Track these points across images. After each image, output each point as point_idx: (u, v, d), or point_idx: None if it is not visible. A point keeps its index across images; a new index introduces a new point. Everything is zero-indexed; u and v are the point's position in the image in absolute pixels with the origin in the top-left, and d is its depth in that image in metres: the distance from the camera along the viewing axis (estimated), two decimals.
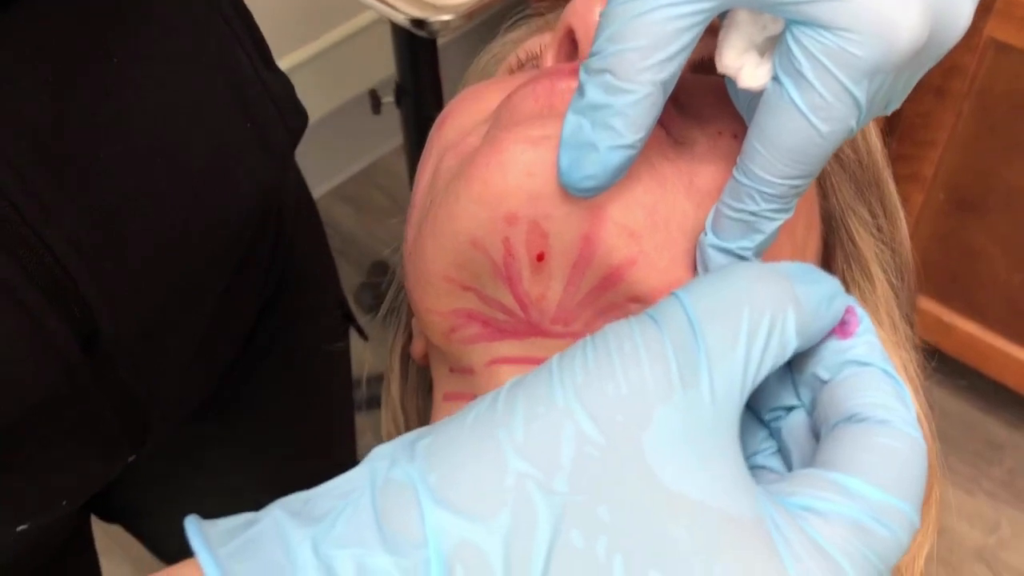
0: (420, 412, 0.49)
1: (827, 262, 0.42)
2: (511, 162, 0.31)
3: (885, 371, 0.28)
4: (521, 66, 0.42)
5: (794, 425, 0.30)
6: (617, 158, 0.29)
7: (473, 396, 0.36)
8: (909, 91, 0.31)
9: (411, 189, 1.31)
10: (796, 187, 0.30)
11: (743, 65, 0.31)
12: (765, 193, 0.30)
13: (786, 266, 0.29)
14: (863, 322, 0.29)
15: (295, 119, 0.55)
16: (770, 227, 0.31)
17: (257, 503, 0.77)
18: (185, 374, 0.57)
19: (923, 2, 0.27)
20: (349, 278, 1.61)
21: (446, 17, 0.78)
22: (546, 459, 0.24)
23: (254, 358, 0.66)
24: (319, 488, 0.26)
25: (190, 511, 0.81)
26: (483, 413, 0.25)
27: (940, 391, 1.48)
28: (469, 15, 0.79)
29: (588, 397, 0.25)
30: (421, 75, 1.06)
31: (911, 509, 0.26)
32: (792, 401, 0.31)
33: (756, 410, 0.31)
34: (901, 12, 0.27)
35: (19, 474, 0.50)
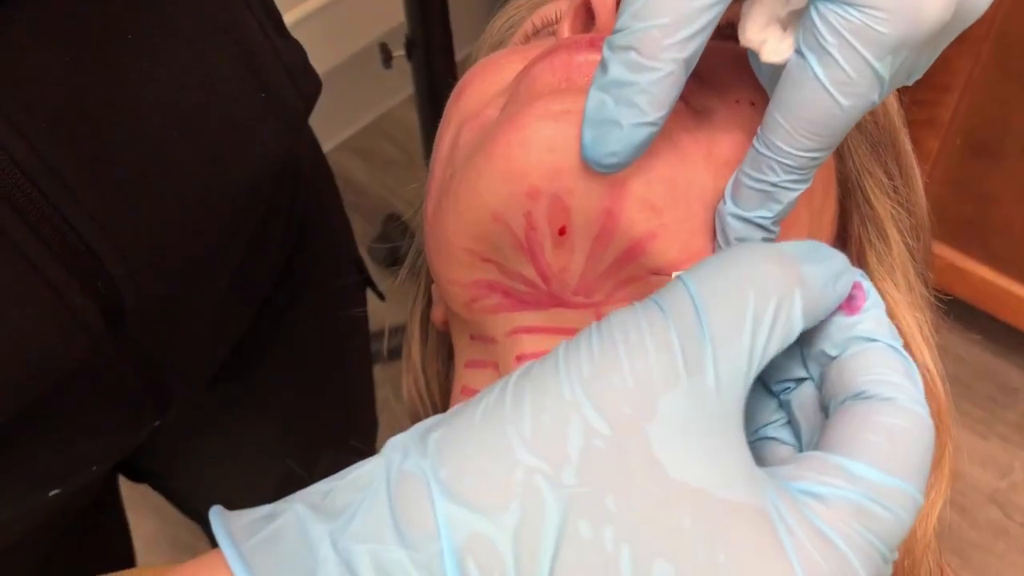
0: (440, 375, 0.50)
1: (844, 224, 0.42)
2: (533, 138, 0.31)
3: (892, 347, 0.28)
4: (536, 32, 0.41)
5: (803, 398, 0.31)
6: (640, 135, 0.29)
7: (495, 365, 0.37)
8: (933, 61, 0.31)
9: (422, 141, 1.30)
10: (815, 158, 0.30)
11: (766, 39, 0.31)
12: (785, 164, 0.30)
13: (793, 246, 0.29)
14: (870, 296, 0.29)
15: (308, 86, 0.55)
16: (789, 197, 0.31)
17: (278, 463, 0.79)
18: (205, 340, 0.58)
19: None
20: (362, 231, 1.62)
21: None
22: (554, 452, 0.25)
23: (272, 320, 0.67)
24: (338, 481, 0.26)
25: (213, 472, 0.83)
26: (492, 406, 0.26)
27: (953, 336, 1.48)
28: None
29: (595, 390, 0.25)
30: (432, 28, 1.05)
31: (915, 489, 0.26)
32: (801, 373, 0.31)
33: (766, 382, 0.32)
34: None
35: (50, 442, 0.52)
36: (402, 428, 0.28)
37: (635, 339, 0.26)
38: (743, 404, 0.26)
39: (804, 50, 0.29)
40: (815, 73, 0.28)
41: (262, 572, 0.24)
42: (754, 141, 0.31)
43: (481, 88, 0.37)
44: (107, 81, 0.43)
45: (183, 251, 0.49)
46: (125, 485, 0.77)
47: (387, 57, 1.14)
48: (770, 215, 0.31)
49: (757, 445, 0.32)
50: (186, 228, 0.48)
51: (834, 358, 0.29)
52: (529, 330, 0.35)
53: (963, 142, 1.29)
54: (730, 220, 0.32)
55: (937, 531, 0.43)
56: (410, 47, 1.09)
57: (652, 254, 0.32)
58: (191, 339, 0.56)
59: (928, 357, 0.42)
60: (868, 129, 0.43)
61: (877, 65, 0.28)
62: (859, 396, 0.27)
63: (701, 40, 0.29)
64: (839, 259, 0.29)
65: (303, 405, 0.74)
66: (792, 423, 0.31)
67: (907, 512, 0.26)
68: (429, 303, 0.49)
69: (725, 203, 0.32)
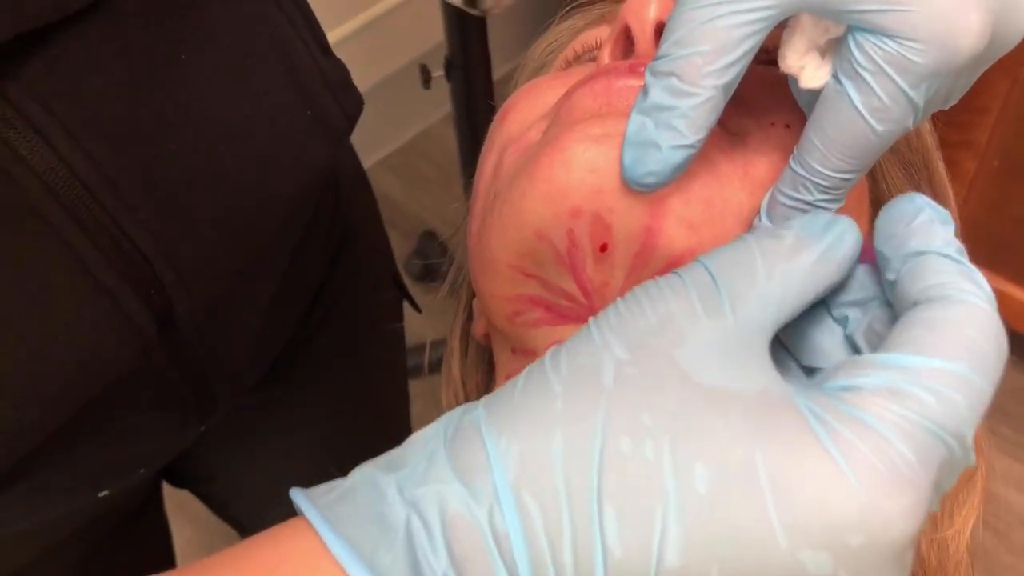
0: (481, 389, 0.51)
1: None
2: (574, 159, 0.33)
3: (941, 255, 0.28)
4: (577, 58, 0.43)
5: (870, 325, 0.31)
6: (678, 157, 0.31)
7: None
8: (969, 87, 0.32)
9: (459, 159, 1.32)
10: (848, 179, 0.31)
11: (805, 66, 0.32)
12: (819, 184, 0.31)
13: (794, 222, 0.30)
14: (923, 212, 0.29)
15: (351, 103, 0.57)
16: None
17: (319, 467, 0.81)
18: (251, 346, 0.60)
19: (984, 9, 0.28)
20: (399, 247, 1.63)
21: None
22: (589, 383, 0.26)
23: (314, 329, 0.68)
24: (401, 447, 0.28)
25: (254, 476, 0.85)
26: (533, 368, 0.28)
27: None
28: None
29: (622, 331, 0.27)
30: (471, 49, 1.07)
31: (965, 368, 0.25)
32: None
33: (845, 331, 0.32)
34: (962, 22, 0.28)
35: (101, 444, 0.53)
36: None
37: (655, 293, 0.28)
38: (767, 342, 0.27)
39: (841, 76, 0.30)
40: (851, 99, 0.30)
41: (339, 521, 0.26)
42: (790, 161, 0.32)
43: (524, 113, 0.39)
44: (161, 98, 0.46)
45: (231, 259, 0.51)
46: (165, 492, 0.79)
47: (427, 78, 1.17)
48: None
49: None
50: (234, 237, 0.50)
51: (894, 282, 0.29)
52: None
53: (1000, 164, 1.29)
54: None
55: (971, 548, 0.43)
56: (449, 68, 1.11)
57: None
58: (238, 345, 0.58)
59: None
60: (901, 151, 0.44)
61: (911, 93, 0.29)
62: (914, 305, 0.27)
63: (741, 67, 0.30)
64: (840, 223, 0.30)
65: (340, 413, 0.75)
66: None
67: (960, 392, 0.25)
68: (469, 318, 0.50)
69: (760, 219, 0.33)
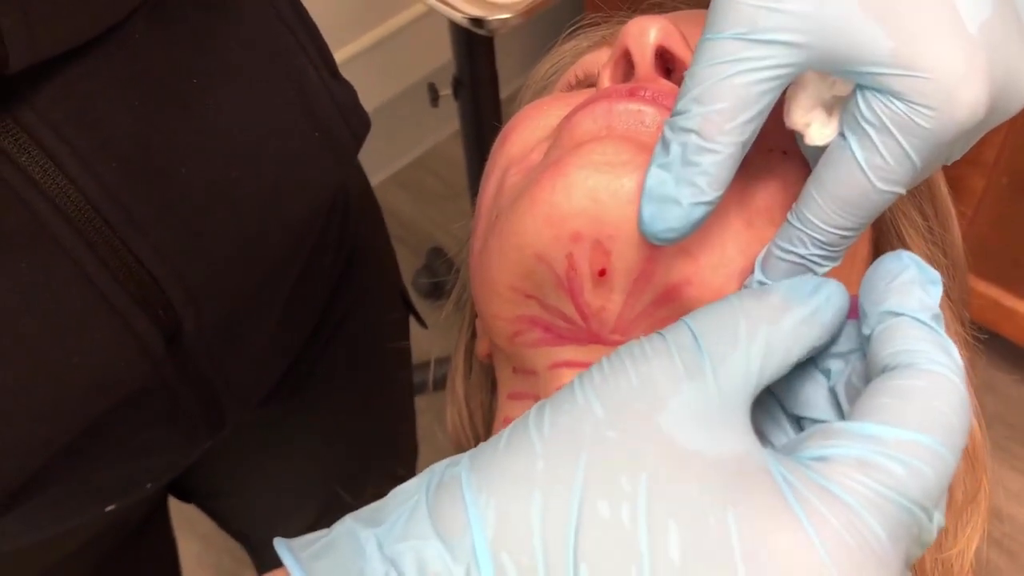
0: (484, 407, 0.51)
1: None
2: (575, 186, 0.33)
3: (915, 319, 0.28)
4: (579, 82, 0.43)
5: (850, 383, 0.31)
6: (699, 213, 0.31)
7: (536, 397, 0.38)
8: (967, 150, 0.33)
9: (467, 176, 1.32)
10: (845, 237, 0.31)
11: (811, 122, 0.32)
12: (815, 239, 0.31)
13: (782, 284, 0.30)
14: (906, 271, 0.29)
15: (359, 125, 0.57)
16: (816, 272, 0.32)
17: (323, 486, 0.81)
18: (258, 363, 0.61)
19: (990, 80, 0.29)
20: (407, 263, 1.64)
21: (504, 15, 0.80)
22: (570, 445, 0.26)
23: (322, 345, 0.69)
24: (384, 499, 0.29)
25: (262, 492, 0.85)
26: (517, 425, 0.28)
27: (1001, 375, 1.46)
28: (527, 12, 0.81)
29: (605, 392, 0.27)
30: (478, 68, 1.08)
31: (933, 440, 0.25)
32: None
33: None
34: (970, 92, 0.29)
35: (109, 459, 0.54)
36: (445, 456, 0.30)
37: (639, 353, 0.28)
38: (748, 406, 0.28)
39: (846, 131, 0.30)
40: (854, 155, 0.30)
41: (317, 574, 0.27)
42: (788, 214, 0.32)
43: (526, 133, 0.39)
44: (173, 121, 0.46)
45: (240, 279, 0.52)
46: (172, 508, 0.79)
47: (435, 96, 1.17)
48: None
49: None
50: (243, 258, 0.51)
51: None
52: (569, 364, 0.36)
53: (1009, 181, 1.29)
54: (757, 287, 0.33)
55: (980, 568, 0.43)
56: (457, 86, 1.12)
57: (688, 299, 0.34)
58: (245, 362, 0.58)
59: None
60: None
61: (914, 155, 0.29)
62: (884, 370, 0.28)
63: (758, 123, 0.30)
64: (825, 287, 0.30)
65: (347, 428, 0.76)
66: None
67: (928, 464, 0.25)
68: (473, 337, 0.50)
69: (755, 271, 0.33)
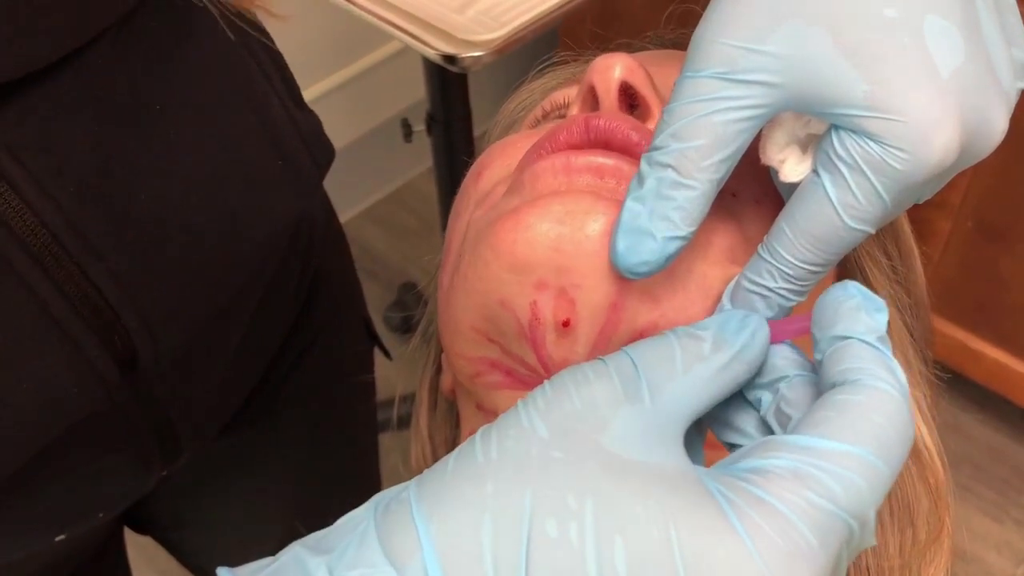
0: (449, 443, 0.51)
1: None
2: (538, 239, 0.33)
3: (862, 341, 0.29)
4: (547, 116, 0.44)
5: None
6: (672, 247, 0.31)
7: None
8: (938, 189, 0.33)
9: (440, 213, 1.32)
10: (813, 272, 0.32)
11: (785, 159, 0.33)
12: (783, 272, 0.32)
13: (712, 321, 0.31)
14: (851, 299, 0.30)
15: (323, 155, 0.57)
16: (782, 304, 0.33)
17: (282, 520, 0.79)
18: (217, 392, 0.60)
19: (960, 124, 0.30)
20: (379, 298, 1.64)
21: (477, 53, 0.81)
22: (517, 466, 0.27)
23: (283, 375, 0.68)
24: (332, 527, 0.28)
25: (219, 523, 0.83)
26: (463, 448, 0.28)
27: (967, 417, 1.47)
28: (499, 50, 0.81)
29: (549, 415, 0.28)
30: (452, 105, 1.08)
31: (866, 452, 0.26)
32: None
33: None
34: (943, 135, 0.29)
35: (59, 486, 0.53)
36: None
37: (581, 377, 0.28)
38: (682, 434, 0.29)
39: (820, 169, 0.31)
40: (827, 192, 0.30)
41: None
42: (759, 247, 0.33)
43: (496, 170, 0.39)
44: (133, 147, 0.46)
45: (198, 307, 0.51)
46: (129, 542, 0.77)
47: (408, 132, 1.18)
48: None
49: None
50: (202, 286, 0.51)
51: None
52: None
53: (974, 225, 1.31)
54: None
55: None
56: (430, 122, 1.12)
57: None
58: (203, 391, 0.57)
59: (926, 434, 0.43)
60: None
61: (886, 195, 0.30)
62: (831, 388, 0.28)
63: (733, 161, 0.31)
64: (750, 321, 0.31)
65: (308, 461, 0.75)
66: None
67: (863, 477, 0.26)
68: (439, 371, 0.50)
69: (723, 302, 0.34)
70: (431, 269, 0.51)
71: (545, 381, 0.29)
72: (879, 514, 0.42)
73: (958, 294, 1.36)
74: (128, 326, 0.47)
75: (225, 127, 0.50)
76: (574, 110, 0.38)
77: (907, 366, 0.44)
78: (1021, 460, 1.45)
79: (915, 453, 0.43)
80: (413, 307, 1.59)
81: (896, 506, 0.42)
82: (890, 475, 0.27)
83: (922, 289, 0.48)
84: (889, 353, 0.29)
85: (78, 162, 0.44)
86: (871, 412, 0.27)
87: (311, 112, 0.58)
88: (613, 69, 0.37)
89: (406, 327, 1.57)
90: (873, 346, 0.29)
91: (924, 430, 0.43)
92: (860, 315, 0.30)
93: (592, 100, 0.38)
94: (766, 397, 0.31)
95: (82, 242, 0.44)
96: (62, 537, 0.58)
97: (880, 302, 0.30)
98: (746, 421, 0.32)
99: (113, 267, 0.45)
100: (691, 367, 0.29)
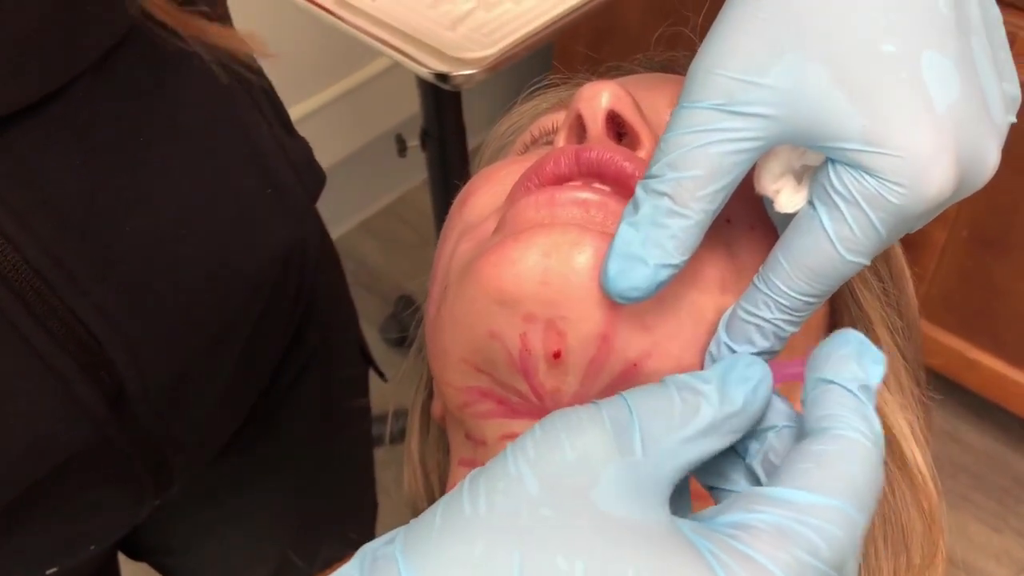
0: (441, 467, 0.50)
1: (834, 325, 0.43)
2: (525, 272, 0.33)
3: (843, 387, 0.29)
4: (535, 142, 0.44)
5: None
6: (664, 275, 0.31)
7: None
8: (928, 222, 0.33)
9: (435, 227, 1.31)
10: (809, 303, 0.32)
11: (780, 189, 0.33)
12: (780, 303, 0.32)
13: (714, 373, 0.30)
14: (843, 346, 0.30)
15: (313, 181, 0.57)
16: (778, 335, 0.33)
17: (277, 545, 0.78)
18: (208, 421, 0.59)
19: (956, 159, 0.30)
20: (376, 311, 1.63)
21: (469, 71, 0.81)
22: (506, 524, 0.26)
23: (275, 402, 0.68)
24: None
25: (213, 549, 0.83)
26: (451, 499, 0.28)
27: (965, 427, 1.47)
28: (492, 68, 0.81)
29: (539, 466, 0.27)
30: (446, 120, 1.08)
31: (847, 505, 0.27)
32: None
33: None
34: (939, 171, 0.29)
35: (49, 520, 0.53)
36: (404, 512, 0.29)
37: (574, 423, 0.28)
38: (671, 487, 0.28)
39: (815, 201, 0.31)
40: (823, 225, 0.30)
41: None
42: (755, 278, 0.33)
43: (483, 198, 0.39)
44: (118, 179, 0.46)
45: (188, 339, 0.51)
46: (124, 568, 0.77)
47: (402, 148, 1.18)
48: (753, 350, 0.33)
49: None
50: (192, 318, 0.50)
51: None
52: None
53: (969, 234, 1.31)
54: (724, 348, 0.33)
55: None
56: (424, 138, 1.12)
57: (647, 373, 0.34)
58: (194, 421, 0.57)
59: (919, 458, 0.43)
60: None
61: (881, 229, 0.30)
62: (808, 434, 0.29)
63: (728, 192, 0.31)
64: (756, 372, 0.31)
65: (303, 484, 0.75)
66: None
67: (841, 528, 0.27)
68: (431, 395, 0.50)
69: (719, 333, 0.33)
70: (428, 283, 0.51)
71: (535, 424, 0.28)
72: (874, 539, 0.42)
73: (954, 303, 1.36)
74: (115, 360, 0.47)
75: (213, 157, 0.50)
76: (561, 138, 0.38)
77: (899, 388, 0.44)
78: (1020, 469, 1.45)
79: (908, 477, 0.42)
80: (409, 320, 1.58)
81: (890, 530, 0.42)
82: (866, 524, 0.27)
83: (914, 310, 0.48)
84: (870, 404, 0.29)
85: (61, 196, 0.43)
86: (848, 463, 0.27)
87: (301, 138, 0.58)
88: (600, 98, 0.36)
89: (402, 341, 1.56)
90: (852, 393, 0.29)
91: (917, 453, 0.43)
92: (849, 363, 0.30)
93: (579, 128, 0.38)
94: (753, 445, 0.31)
95: (66, 277, 0.44)
96: (54, 571, 0.57)
97: (879, 355, 0.30)
98: (731, 468, 0.31)
99: (98, 301, 0.45)
100: (689, 422, 0.29)
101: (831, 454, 0.27)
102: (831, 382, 0.29)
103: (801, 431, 0.30)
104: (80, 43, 0.43)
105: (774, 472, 0.29)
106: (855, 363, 0.30)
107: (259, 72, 0.55)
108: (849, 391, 0.29)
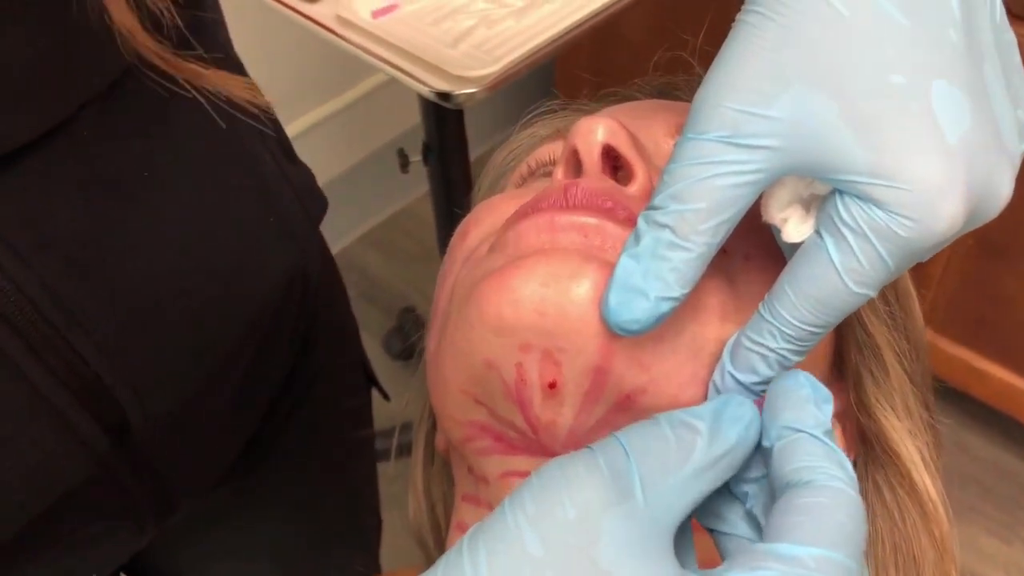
0: (446, 498, 0.50)
1: (840, 351, 0.43)
2: (523, 301, 0.33)
3: (811, 435, 0.30)
4: (532, 173, 0.43)
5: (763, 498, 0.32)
6: (664, 308, 0.31)
7: (488, 504, 0.37)
8: (936, 253, 0.33)
9: (438, 240, 1.31)
10: (814, 333, 0.31)
11: (787, 218, 0.32)
12: (785, 333, 0.31)
13: (706, 410, 0.31)
14: (800, 389, 0.31)
15: (316, 207, 0.57)
16: (784, 364, 0.32)
17: (280, 563, 0.78)
18: (209, 449, 0.59)
19: (967, 191, 0.29)
20: (378, 323, 1.63)
21: (471, 90, 0.80)
22: None
23: (277, 426, 0.68)
24: None
25: (216, 572, 0.82)
26: (452, 559, 0.27)
27: (973, 437, 1.46)
28: (493, 86, 0.81)
29: (539, 522, 0.27)
30: (447, 135, 1.08)
31: (841, 555, 0.27)
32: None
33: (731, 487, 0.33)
34: (949, 205, 0.29)
35: (50, 552, 0.52)
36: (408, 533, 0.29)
37: (572, 474, 0.28)
38: (674, 531, 0.28)
39: (823, 231, 0.30)
40: (830, 255, 0.30)
41: None
42: (760, 306, 0.32)
43: (481, 230, 0.39)
44: (120, 215, 0.45)
45: (190, 371, 0.51)
46: None
47: (404, 163, 1.18)
48: (757, 379, 0.32)
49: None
50: (194, 350, 0.50)
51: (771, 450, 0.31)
52: (521, 475, 0.36)
53: (975, 242, 1.30)
54: (728, 378, 0.33)
55: None
56: (426, 152, 1.12)
57: (643, 408, 0.33)
58: (195, 449, 0.57)
59: (930, 484, 0.42)
60: None
61: (890, 261, 0.30)
62: (787, 486, 0.29)
63: (731, 225, 0.31)
64: (745, 413, 0.31)
65: (306, 505, 0.74)
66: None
67: None
68: (434, 428, 0.49)
69: (723, 361, 0.33)
70: (431, 294, 0.51)
71: (532, 474, 0.28)
72: (885, 567, 0.42)
73: (961, 312, 1.35)
74: (118, 396, 0.46)
75: (216, 188, 0.50)
76: (559, 171, 0.38)
77: (908, 414, 0.44)
78: None
79: (919, 504, 0.42)
80: (412, 332, 1.58)
81: (901, 560, 0.42)
82: (859, 570, 0.28)
83: (921, 331, 0.47)
84: (836, 447, 0.29)
85: (63, 235, 0.43)
86: (836, 513, 0.28)
87: (303, 165, 0.58)
88: (595, 132, 0.36)
89: (406, 352, 1.56)
90: (822, 441, 0.29)
91: (928, 481, 0.42)
92: (808, 407, 0.30)
93: (575, 162, 0.37)
94: (752, 490, 0.31)
95: (67, 316, 0.44)
96: None
97: (827, 393, 0.31)
98: (728, 509, 0.32)
99: (100, 339, 0.45)
100: (686, 461, 0.29)
101: (819, 505, 0.28)
102: (798, 431, 0.30)
103: (772, 477, 0.30)
104: (79, 78, 0.42)
105: (767, 523, 0.29)
106: (814, 406, 0.30)
107: (263, 106, 0.55)
108: (817, 438, 0.29)
